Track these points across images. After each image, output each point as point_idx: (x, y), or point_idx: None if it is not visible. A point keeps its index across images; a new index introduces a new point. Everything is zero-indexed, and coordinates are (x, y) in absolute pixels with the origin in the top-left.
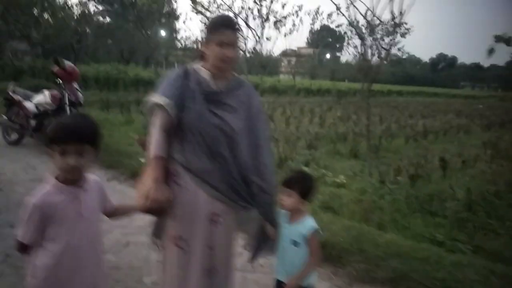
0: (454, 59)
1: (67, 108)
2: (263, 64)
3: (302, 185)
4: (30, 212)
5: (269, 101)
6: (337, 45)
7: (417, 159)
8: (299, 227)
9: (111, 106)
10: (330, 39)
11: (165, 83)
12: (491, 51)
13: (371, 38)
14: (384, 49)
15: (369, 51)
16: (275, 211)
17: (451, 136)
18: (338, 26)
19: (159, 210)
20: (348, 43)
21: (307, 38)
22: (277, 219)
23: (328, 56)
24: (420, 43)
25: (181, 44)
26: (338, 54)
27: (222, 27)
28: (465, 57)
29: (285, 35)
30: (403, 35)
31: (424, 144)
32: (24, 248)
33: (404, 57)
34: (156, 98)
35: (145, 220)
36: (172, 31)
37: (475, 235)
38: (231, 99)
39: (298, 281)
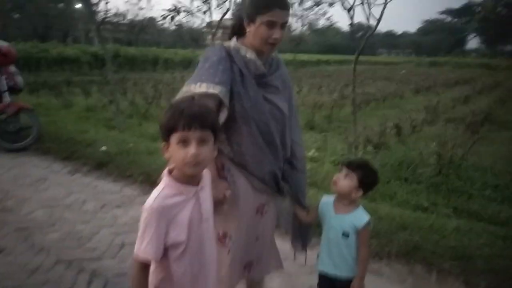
0: (370, 27)
1: (7, 95)
2: (195, 37)
3: (366, 173)
4: (148, 219)
5: None
6: None
7: (373, 127)
8: (352, 218)
9: (39, 88)
10: None
11: (206, 66)
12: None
13: (300, 8)
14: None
15: (300, 21)
16: (305, 191)
17: (390, 102)
18: None
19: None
20: None
21: (232, 9)
22: (320, 206)
23: None
24: (340, 13)
25: (101, 18)
26: None
27: (273, 6)
28: (380, 25)
29: (218, 6)
30: (331, 4)
31: (367, 111)
32: (145, 268)
33: (333, 26)
34: (203, 86)
35: (130, 216)
36: (89, 4)
37: (451, 198)
38: (276, 80)
39: (363, 280)
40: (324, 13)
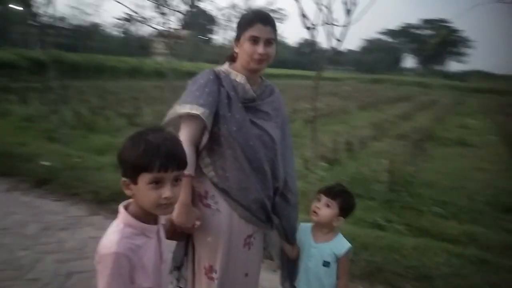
0: (316, 44)
1: None
2: (144, 45)
3: (346, 200)
4: (114, 266)
5: (158, 86)
6: (210, 28)
7: (324, 143)
8: (332, 246)
9: None
10: (204, 22)
11: (193, 88)
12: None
13: None
14: None
15: None
16: (296, 226)
17: (338, 118)
18: (220, 9)
19: (183, 237)
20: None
21: (182, 20)
22: (298, 235)
23: (205, 38)
24: (288, 28)
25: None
26: (212, 36)
27: (255, 21)
28: (325, 43)
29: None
30: (279, 20)
31: (317, 126)
32: None
33: (282, 41)
34: (186, 107)
35: (78, 239)
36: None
37: (403, 215)
38: (267, 106)
39: None
40: None
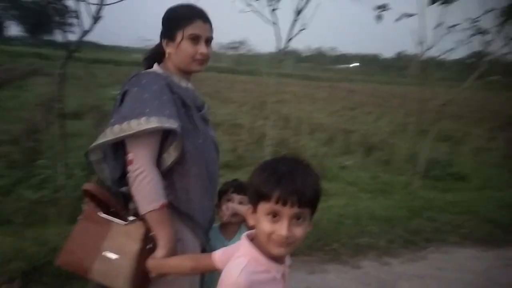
0: None
1: None
2: None
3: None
4: None
5: None
6: None
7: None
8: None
9: None
10: None
11: (146, 96)
12: None
13: None
14: None
15: None
16: None
17: None
18: None
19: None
20: None
21: None
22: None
23: None
24: None
25: None
26: None
27: (195, 17)
28: None
29: None
30: None
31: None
32: None
33: None
34: (152, 120)
35: None
36: None
37: None
38: (207, 113)
39: None
40: None
